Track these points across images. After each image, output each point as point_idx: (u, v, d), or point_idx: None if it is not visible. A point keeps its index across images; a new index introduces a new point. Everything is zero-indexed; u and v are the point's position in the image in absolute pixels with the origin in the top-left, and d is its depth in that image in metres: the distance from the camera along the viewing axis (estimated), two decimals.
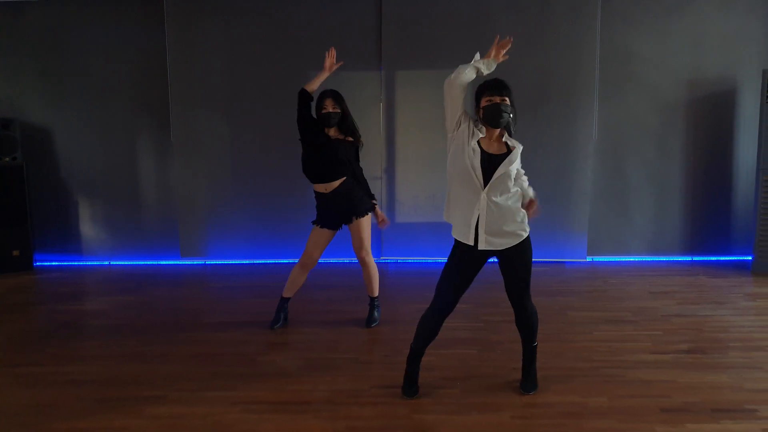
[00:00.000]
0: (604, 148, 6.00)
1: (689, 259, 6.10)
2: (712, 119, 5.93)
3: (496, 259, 3.01)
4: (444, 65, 5.86)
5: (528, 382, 3.14)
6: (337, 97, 4.02)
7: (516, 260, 2.97)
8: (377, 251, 6.15)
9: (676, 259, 6.10)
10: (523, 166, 2.88)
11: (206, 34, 5.87)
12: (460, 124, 2.92)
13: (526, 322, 3.08)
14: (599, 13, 5.76)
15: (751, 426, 2.72)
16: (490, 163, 2.86)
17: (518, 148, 2.98)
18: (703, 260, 6.06)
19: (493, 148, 2.92)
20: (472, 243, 2.89)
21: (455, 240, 2.99)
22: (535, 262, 6.00)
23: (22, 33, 5.96)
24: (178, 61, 5.89)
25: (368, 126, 5.92)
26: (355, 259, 6.02)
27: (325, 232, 4.05)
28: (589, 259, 6.12)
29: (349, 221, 4.03)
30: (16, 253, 5.90)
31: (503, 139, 2.98)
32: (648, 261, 6.09)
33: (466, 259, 2.94)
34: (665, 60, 5.87)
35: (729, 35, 5.80)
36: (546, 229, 6.00)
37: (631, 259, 6.13)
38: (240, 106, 5.96)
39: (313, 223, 4.09)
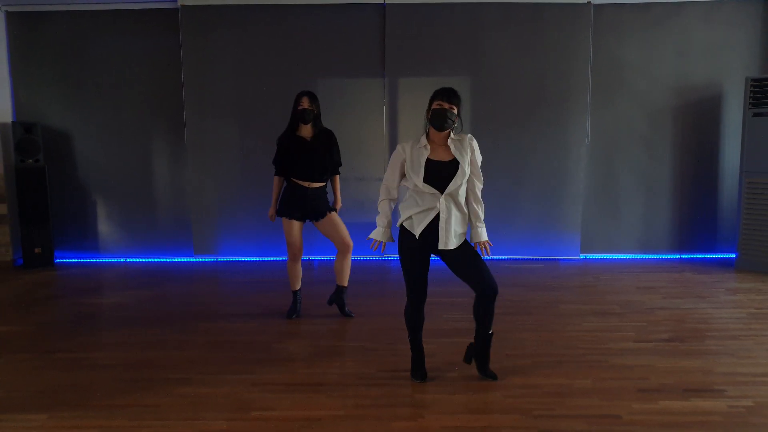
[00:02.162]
0: (596, 151, 6.31)
1: (677, 256, 6.41)
2: (698, 124, 6.25)
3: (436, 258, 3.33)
4: (443, 72, 6.20)
5: (487, 367, 3.40)
6: (311, 97, 4.30)
7: (461, 249, 3.25)
8: (379, 249, 6.44)
9: (664, 256, 6.42)
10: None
11: (218, 44, 6.18)
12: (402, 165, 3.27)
13: (488, 301, 3.21)
14: (591, 23, 6.07)
15: (717, 403, 3.03)
16: (440, 169, 3.18)
17: (466, 153, 3.22)
18: (690, 258, 6.38)
19: (441, 154, 3.21)
20: (417, 236, 3.21)
21: (399, 236, 3.29)
22: (531, 259, 6.36)
23: (44, 42, 6.28)
24: (191, 69, 6.21)
25: (372, 130, 6.25)
26: (360, 257, 6.36)
27: (295, 221, 4.36)
28: (582, 256, 6.43)
29: (323, 216, 4.37)
30: (38, 250, 6.21)
31: (448, 142, 3.22)
32: (638, 258, 6.41)
33: (413, 250, 3.25)
34: (654, 68, 6.18)
35: (714, 45, 6.12)
36: (541, 228, 6.33)
37: (622, 256, 6.44)
38: (250, 111, 6.28)
39: (281, 215, 4.39)
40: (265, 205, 6.32)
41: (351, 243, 4.49)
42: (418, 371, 3.39)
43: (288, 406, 3.05)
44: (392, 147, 6.32)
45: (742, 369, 3.45)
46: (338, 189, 4.59)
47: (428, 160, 3.18)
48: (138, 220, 6.52)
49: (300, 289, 4.60)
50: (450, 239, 3.20)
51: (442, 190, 3.17)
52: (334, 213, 4.44)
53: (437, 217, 3.19)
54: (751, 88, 5.64)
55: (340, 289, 4.58)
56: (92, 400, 3.14)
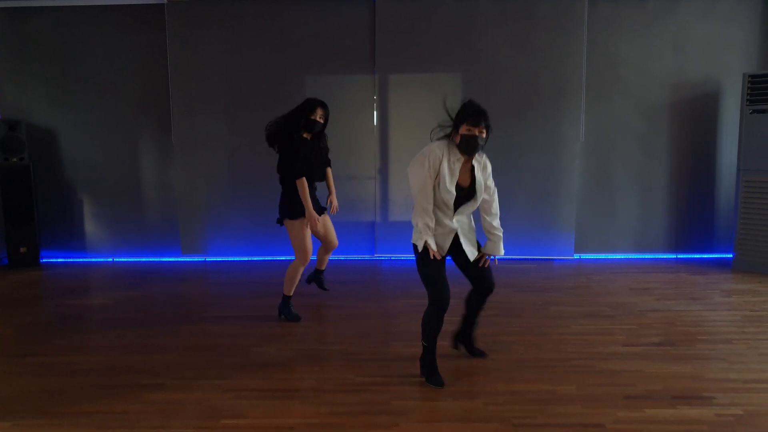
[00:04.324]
0: (591, 149, 6.19)
1: (673, 256, 6.29)
2: (695, 122, 6.12)
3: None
4: (435, 69, 6.09)
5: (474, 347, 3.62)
6: (326, 111, 4.29)
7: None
8: (371, 249, 6.36)
9: (660, 256, 6.29)
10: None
11: (205, 40, 6.08)
12: (436, 173, 3.14)
13: (485, 297, 3.44)
14: (586, 19, 5.95)
15: (705, 411, 2.91)
16: (461, 188, 3.22)
17: (482, 174, 3.27)
18: (686, 258, 6.26)
19: (464, 177, 3.22)
20: (440, 256, 3.22)
21: (422, 249, 3.23)
22: (524, 259, 6.27)
23: (29, 38, 6.19)
24: (178, 65, 6.11)
25: (362, 127, 6.15)
26: (344, 256, 6.27)
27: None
28: (576, 256, 6.31)
29: (321, 213, 4.45)
30: (23, 249, 6.13)
31: (473, 162, 3.24)
32: (633, 258, 6.29)
33: (437, 260, 3.20)
34: (650, 65, 6.06)
35: (711, 41, 5.99)
36: (535, 228, 6.22)
37: (617, 256, 6.32)
38: (238, 108, 6.17)
39: (298, 217, 4.26)
40: (255, 204, 6.26)
41: (337, 243, 4.69)
42: (438, 376, 3.26)
43: (260, 413, 2.95)
44: (383, 144, 6.22)
45: (733, 375, 3.34)
46: (332, 181, 4.61)
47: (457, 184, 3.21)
48: (125, 219, 6.42)
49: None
50: (473, 251, 3.33)
51: (455, 210, 3.21)
52: (325, 213, 4.49)
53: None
54: (749, 85, 5.51)
55: (320, 272, 4.93)
56: (60, 406, 3.05)
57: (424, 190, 3.13)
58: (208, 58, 6.11)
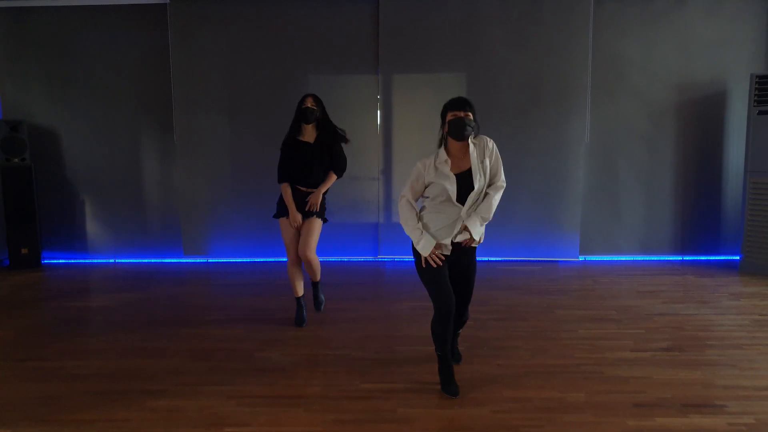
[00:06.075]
0: (596, 149, 6.13)
1: (679, 258, 6.23)
2: (701, 122, 6.05)
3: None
4: (438, 69, 6.03)
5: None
6: (316, 98, 4.18)
7: (468, 258, 3.27)
8: (374, 250, 6.31)
9: (666, 258, 6.24)
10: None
11: (208, 40, 6.02)
12: (426, 178, 3.16)
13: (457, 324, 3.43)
14: (591, 18, 5.88)
15: (717, 420, 2.86)
16: (464, 181, 3.12)
17: (481, 156, 3.16)
18: (692, 260, 6.20)
19: (462, 166, 3.14)
20: (450, 249, 3.17)
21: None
22: (528, 261, 6.21)
23: (30, 38, 6.13)
24: (180, 65, 6.05)
25: (365, 128, 6.09)
26: (347, 258, 6.22)
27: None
28: (581, 258, 6.26)
29: (308, 216, 4.20)
30: (24, 251, 6.09)
31: (470, 149, 3.14)
32: (639, 260, 6.23)
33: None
34: (655, 64, 5.99)
35: (717, 40, 5.92)
36: (539, 229, 6.16)
37: (623, 258, 6.27)
38: (241, 108, 6.12)
39: (278, 216, 4.26)
40: (258, 204, 6.20)
41: (309, 255, 4.18)
42: (452, 385, 3.19)
43: (263, 421, 2.90)
44: (386, 145, 6.16)
45: (745, 382, 3.29)
46: (325, 185, 4.23)
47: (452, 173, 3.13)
48: (127, 220, 6.38)
49: (303, 295, 4.40)
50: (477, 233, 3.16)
51: (463, 201, 3.11)
52: (318, 220, 4.23)
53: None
54: (757, 85, 5.45)
55: (312, 286, 4.51)
56: (59, 414, 3.00)
57: (405, 195, 3.23)
58: (210, 57, 6.06)
